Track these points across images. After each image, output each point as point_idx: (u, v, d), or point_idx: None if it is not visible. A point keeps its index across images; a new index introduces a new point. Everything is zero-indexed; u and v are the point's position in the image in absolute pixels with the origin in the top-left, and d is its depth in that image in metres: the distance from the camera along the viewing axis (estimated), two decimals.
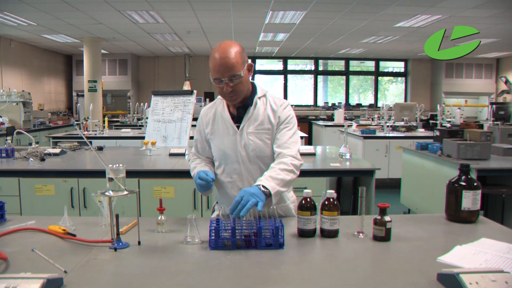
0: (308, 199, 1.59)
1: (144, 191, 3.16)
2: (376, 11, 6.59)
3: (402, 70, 13.01)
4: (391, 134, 6.78)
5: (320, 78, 13.04)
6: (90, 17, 7.09)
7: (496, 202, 4.09)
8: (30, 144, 3.93)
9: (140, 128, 6.97)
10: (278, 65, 12.96)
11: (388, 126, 7.22)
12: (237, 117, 1.85)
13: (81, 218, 2.09)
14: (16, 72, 9.42)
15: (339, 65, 13.05)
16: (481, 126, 5.91)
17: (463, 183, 1.78)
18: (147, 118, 5.17)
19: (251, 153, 1.83)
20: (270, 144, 1.85)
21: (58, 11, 6.63)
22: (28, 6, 6.21)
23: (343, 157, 3.63)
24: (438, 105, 8.17)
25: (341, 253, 1.48)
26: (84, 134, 4.65)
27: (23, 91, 7.89)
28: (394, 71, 13.30)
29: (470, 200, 1.76)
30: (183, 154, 3.75)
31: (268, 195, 1.62)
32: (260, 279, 1.25)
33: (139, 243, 1.52)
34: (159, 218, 1.67)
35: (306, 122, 11.16)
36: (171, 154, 3.80)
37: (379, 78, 13.08)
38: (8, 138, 3.92)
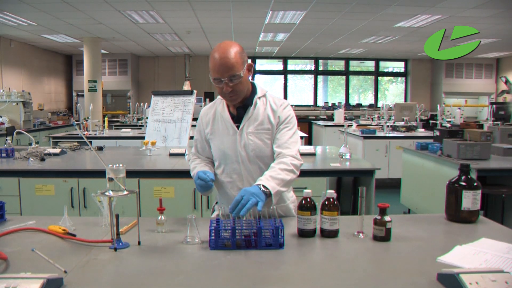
0: (308, 199, 1.59)
1: (144, 191, 3.16)
2: (376, 11, 6.59)
3: (402, 70, 13.01)
4: (391, 134, 6.78)
5: (320, 78, 13.04)
6: (90, 17, 7.09)
7: (496, 202, 4.09)
8: (30, 144, 3.93)
9: (140, 128, 6.97)
10: (278, 65, 12.96)
11: (388, 126, 7.22)
12: (237, 117, 1.85)
13: (81, 218, 2.09)
14: (16, 72, 9.42)
15: (339, 65, 13.05)
16: (481, 126, 5.91)
17: (463, 183, 1.78)
18: (147, 118, 5.17)
19: (251, 153, 1.83)
20: (270, 144, 1.85)
21: (58, 11, 6.63)
22: (28, 6, 6.21)
23: (343, 157, 3.63)
24: (438, 105, 8.17)
25: (341, 253, 1.48)
26: (84, 134, 4.65)
27: (23, 91, 7.90)
28: (394, 71, 13.30)
29: (470, 200, 1.76)
30: (183, 154, 3.75)
31: (268, 195, 1.62)
32: (260, 279, 1.25)
33: (139, 243, 1.52)
34: (159, 218, 1.67)
35: (306, 122, 11.16)
36: (171, 154, 3.80)
37: (379, 78, 13.08)
38: (8, 138, 3.92)
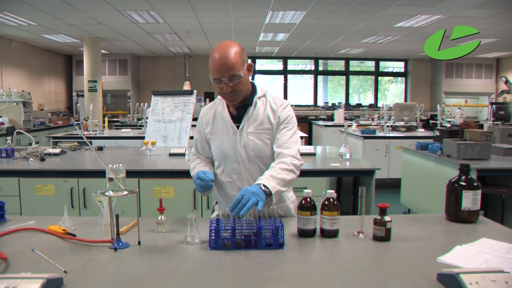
0: (308, 199, 1.59)
1: (144, 191, 3.16)
2: (376, 11, 6.59)
3: (402, 70, 13.01)
4: (391, 134, 6.78)
5: (320, 78, 13.04)
6: (90, 17, 7.09)
7: (496, 202, 4.09)
8: (30, 144, 3.93)
9: (140, 128, 6.97)
10: (278, 65, 12.96)
11: (388, 126, 7.22)
12: (237, 117, 1.85)
13: (81, 218, 2.09)
14: (16, 72, 9.42)
15: (339, 65, 13.05)
16: (481, 126, 5.91)
17: (463, 183, 1.78)
18: (147, 118, 5.17)
19: (250, 153, 1.83)
20: (269, 144, 1.85)
21: (58, 11, 6.63)
22: (28, 6, 6.21)
23: (343, 157, 3.63)
24: (438, 105, 8.17)
25: (341, 253, 1.48)
26: (84, 134, 4.65)
27: (23, 91, 7.90)
28: (394, 71, 13.30)
29: (470, 200, 1.76)
30: (183, 154, 3.75)
31: (268, 194, 1.62)
32: (260, 279, 1.25)
33: (139, 243, 1.52)
34: (159, 218, 1.67)
35: (306, 122, 11.16)
36: (171, 154, 3.80)
37: (379, 78, 13.08)
38: (8, 138, 3.92)
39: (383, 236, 1.55)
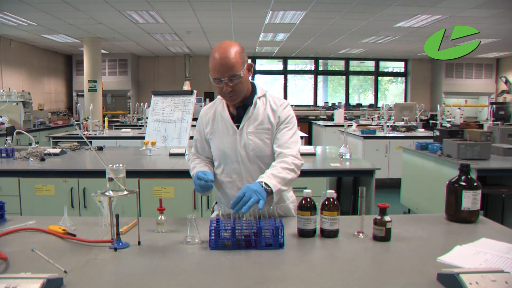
0: (308, 199, 1.59)
1: (144, 191, 3.16)
2: (376, 11, 6.59)
3: (402, 70, 13.01)
4: (391, 134, 6.78)
5: (320, 78, 13.04)
6: (90, 17, 7.09)
7: (496, 202, 4.09)
8: (30, 144, 3.93)
9: (140, 128, 6.97)
10: (278, 65, 12.96)
11: (388, 126, 7.22)
12: (237, 117, 1.85)
13: (81, 218, 2.09)
14: (16, 72, 9.42)
15: (339, 65, 13.05)
16: (481, 126, 5.91)
17: (463, 183, 1.78)
18: (147, 118, 5.17)
19: (250, 153, 1.83)
20: (270, 144, 1.85)
21: (58, 11, 6.63)
22: (28, 6, 6.21)
23: (343, 157, 3.63)
24: (438, 105, 8.18)
25: (341, 253, 1.48)
26: (84, 134, 4.65)
27: (23, 91, 7.90)
28: (394, 71, 13.30)
29: (470, 200, 1.76)
30: (183, 154, 3.75)
31: (269, 192, 1.63)
32: (260, 279, 1.25)
33: (139, 243, 1.52)
34: (159, 218, 1.67)
35: (306, 122, 11.16)
36: (171, 154, 3.80)
37: (379, 78, 13.08)
38: (8, 138, 3.92)
39: (383, 236, 1.55)
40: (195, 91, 4.75)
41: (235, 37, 9.08)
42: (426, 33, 7.61)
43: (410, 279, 1.24)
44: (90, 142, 2.92)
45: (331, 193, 1.59)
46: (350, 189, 3.82)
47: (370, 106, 12.31)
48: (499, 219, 3.62)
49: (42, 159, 3.49)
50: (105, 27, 7.90)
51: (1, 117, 7.24)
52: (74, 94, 11.77)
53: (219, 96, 1.89)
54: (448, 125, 7.12)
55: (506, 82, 11.17)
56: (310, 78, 13.02)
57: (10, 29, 7.95)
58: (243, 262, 1.38)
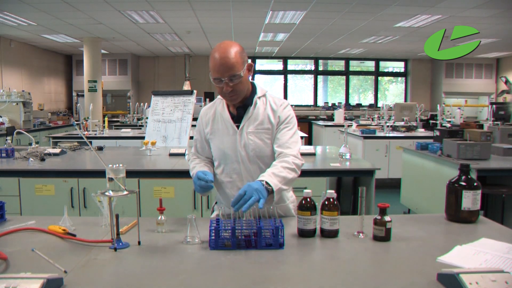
0: (308, 199, 1.59)
1: (144, 191, 3.16)
2: (376, 11, 6.59)
3: (402, 70, 13.01)
4: (391, 134, 6.78)
5: (320, 78, 13.04)
6: (90, 17, 7.09)
7: (496, 202, 4.09)
8: (30, 144, 3.93)
9: (140, 128, 6.97)
10: (278, 65, 12.96)
11: (388, 126, 7.22)
12: (237, 117, 1.85)
13: (81, 218, 2.09)
14: (16, 72, 9.42)
15: (339, 65, 13.05)
16: (481, 126, 5.91)
17: (463, 183, 1.78)
18: (147, 118, 5.17)
19: (251, 153, 1.83)
20: (270, 144, 1.85)
21: (58, 11, 6.63)
22: (28, 6, 6.21)
23: (343, 157, 3.63)
24: (438, 105, 8.18)
25: (341, 253, 1.48)
26: (84, 134, 4.65)
27: (23, 91, 7.90)
28: (394, 71, 13.30)
29: (470, 200, 1.76)
30: (183, 154, 3.75)
31: (270, 191, 1.63)
32: (260, 279, 1.25)
33: (139, 243, 1.52)
34: (159, 218, 1.67)
35: (306, 122, 11.16)
36: (171, 154, 3.80)
37: (379, 78, 13.08)
38: (8, 138, 3.92)
39: (383, 236, 1.55)
40: (195, 91, 4.75)
41: (235, 37, 9.08)
42: (426, 33, 7.61)
43: (410, 279, 1.24)
44: (90, 142, 2.92)
45: (331, 193, 1.59)
46: (350, 189, 3.82)
47: (370, 106, 12.32)
48: (499, 219, 3.62)
49: (42, 159, 3.49)
50: (105, 27, 7.90)
51: (1, 117, 7.24)
52: (74, 94, 11.77)
53: (219, 96, 1.89)
54: (448, 125, 7.12)
55: (506, 82, 11.17)
56: (310, 78, 13.02)
57: (10, 29, 7.95)
58: (243, 262, 1.38)
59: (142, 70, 12.50)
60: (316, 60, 12.72)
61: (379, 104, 12.27)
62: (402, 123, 7.40)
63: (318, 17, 7.09)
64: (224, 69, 1.68)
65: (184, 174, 2.87)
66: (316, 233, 1.61)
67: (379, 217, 1.56)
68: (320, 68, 12.92)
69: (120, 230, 1.53)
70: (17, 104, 7.48)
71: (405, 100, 12.67)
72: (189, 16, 7.05)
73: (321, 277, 1.27)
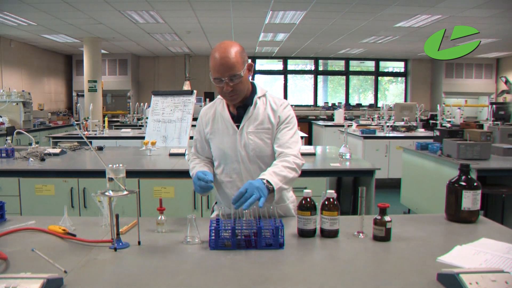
0: (308, 199, 1.59)
1: (144, 191, 3.16)
2: (376, 11, 6.59)
3: (402, 70, 13.01)
4: (391, 134, 6.78)
5: (320, 78, 13.04)
6: (90, 17, 7.09)
7: (496, 202, 4.09)
8: (30, 144, 3.93)
9: (140, 128, 6.97)
10: (278, 65, 12.96)
11: (388, 126, 7.22)
12: (237, 117, 1.86)
13: (81, 218, 2.09)
14: (16, 72, 9.42)
15: (339, 65, 13.05)
16: (481, 126, 5.91)
17: (463, 183, 1.78)
18: (147, 118, 5.17)
19: (251, 153, 1.83)
20: (270, 143, 1.85)
21: (58, 11, 6.63)
22: (28, 6, 6.21)
23: (343, 157, 3.63)
24: (438, 105, 8.18)
25: (341, 253, 1.48)
26: (84, 134, 4.65)
27: (23, 91, 7.90)
28: (394, 71, 13.30)
29: (470, 200, 1.76)
30: (183, 154, 3.75)
31: (271, 190, 1.63)
32: (260, 279, 1.25)
33: (139, 243, 1.52)
34: (159, 218, 1.67)
35: (306, 122, 11.15)
36: (171, 154, 3.80)
37: (379, 78, 13.08)
38: (8, 138, 3.92)
39: (383, 236, 1.55)
40: (195, 91, 4.75)
41: (235, 37, 9.08)
42: (426, 33, 7.62)
43: (410, 279, 1.24)
44: (90, 142, 2.92)
45: (331, 193, 1.59)
46: (350, 189, 3.82)
47: (370, 106, 12.32)
48: (499, 219, 3.62)
49: (42, 159, 3.49)
50: (105, 27, 7.90)
51: (1, 117, 7.24)
52: (74, 94, 11.78)
53: (219, 96, 1.89)
54: (448, 125, 7.12)
55: (506, 82, 11.17)
56: (310, 78, 13.02)
57: (10, 29, 7.95)
58: (243, 262, 1.38)
59: (142, 70, 12.50)
60: (316, 60, 12.72)
61: (379, 104, 12.27)
62: (402, 123, 7.40)
63: (318, 17, 7.09)
64: (225, 69, 1.68)
65: (184, 174, 2.87)
66: (316, 233, 1.61)
67: (379, 217, 1.56)
68: (320, 68, 12.92)
69: (120, 230, 1.53)
70: (17, 104, 7.48)
71: (405, 100, 12.67)
72: (189, 16, 7.05)
73: (321, 277, 1.27)
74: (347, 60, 12.69)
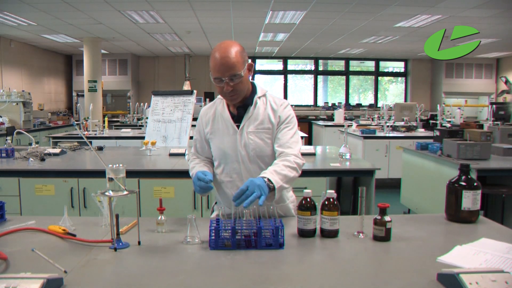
0: (308, 199, 1.59)
1: (144, 191, 3.16)
2: (376, 11, 6.59)
3: (402, 70, 13.01)
4: (391, 134, 6.78)
5: (320, 78, 13.04)
6: (90, 17, 7.09)
7: (496, 202, 4.09)
8: (30, 144, 3.93)
9: (140, 128, 6.97)
10: (278, 65, 12.96)
11: (388, 126, 7.22)
12: (237, 117, 1.86)
13: (81, 218, 2.09)
14: (16, 72, 9.42)
15: (339, 65, 13.05)
16: (481, 126, 5.91)
17: (463, 183, 1.78)
18: (147, 118, 5.17)
19: (251, 153, 1.83)
20: (270, 143, 1.85)
21: (58, 11, 6.63)
22: (28, 6, 6.21)
23: (343, 157, 3.63)
24: (438, 105, 8.17)
25: (341, 253, 1.48)
26: (84, 134, 4.65)
27: (23, 91, 7.90)
28: (394, 71, 13.30)
29: (470, 200, 1.76)
30: (183, 154, 3.75)
31: (271, 189, 1.63)
32: (260, 279, 1.25)
33: (139, 243, 1.52)
34: (159, 218, 1.67)
35: (306, 122, 11.15)
36: (171, 154, 3.80)
37: (379, 78, 13.08)
38: (8, 138, 3.92)
39: (383, 236, 1.55)
40: (195, 91, 4.75)
41: (235, 37, 9.08)
42: (426, 33, 7.61)
43: (410, 279, 1.24)
44: (90, 142, 2.92)
45: (331, 193, 1.59)
46: (350, 189, 3.82)
47: (370, 106, 12.31)
48: (499, 219, 3.62)
49: (42, 159, 3.49)
50: (105, 27, 7.90)
51: (1, 117, 7.24)
52: (74, 94, 11.78)
53: (219, 96, 1.89)
54: (448, 125, 7.12)
55: (506, 82, 11.17)
56: (310, 78, 13.02)
57: (10, 29, 7.95)
58: (243, 262, 1.38)
59: (142, 70, 12.50)
60: (316, 60, 12.72)
61: (379, 104, 12.26)
62: (402, 123, 7.40)
63: (318, 17, 7.09)
64: (225, 69, 1.68)
65: (184, 174, 2.87)
66: (316, 233, 1.61)
67: (379, 217, 1.56)
68: (320, 68, 12.92)
69: (120, 230, 1.53)
70: (17, 104, 7.48)
71: (405, 100, 12.67)
72: (189, 16, 7.05)
73: (321, 277, 1.27)
74: (347, 60, 12.69)
